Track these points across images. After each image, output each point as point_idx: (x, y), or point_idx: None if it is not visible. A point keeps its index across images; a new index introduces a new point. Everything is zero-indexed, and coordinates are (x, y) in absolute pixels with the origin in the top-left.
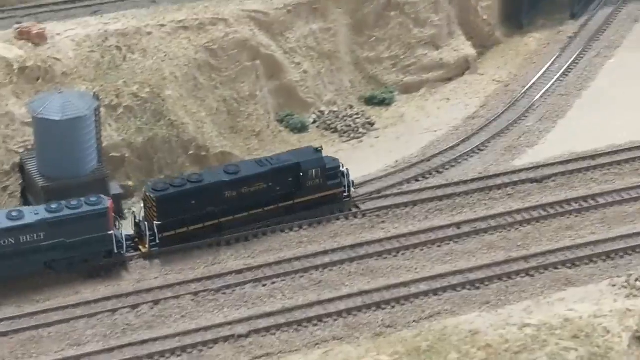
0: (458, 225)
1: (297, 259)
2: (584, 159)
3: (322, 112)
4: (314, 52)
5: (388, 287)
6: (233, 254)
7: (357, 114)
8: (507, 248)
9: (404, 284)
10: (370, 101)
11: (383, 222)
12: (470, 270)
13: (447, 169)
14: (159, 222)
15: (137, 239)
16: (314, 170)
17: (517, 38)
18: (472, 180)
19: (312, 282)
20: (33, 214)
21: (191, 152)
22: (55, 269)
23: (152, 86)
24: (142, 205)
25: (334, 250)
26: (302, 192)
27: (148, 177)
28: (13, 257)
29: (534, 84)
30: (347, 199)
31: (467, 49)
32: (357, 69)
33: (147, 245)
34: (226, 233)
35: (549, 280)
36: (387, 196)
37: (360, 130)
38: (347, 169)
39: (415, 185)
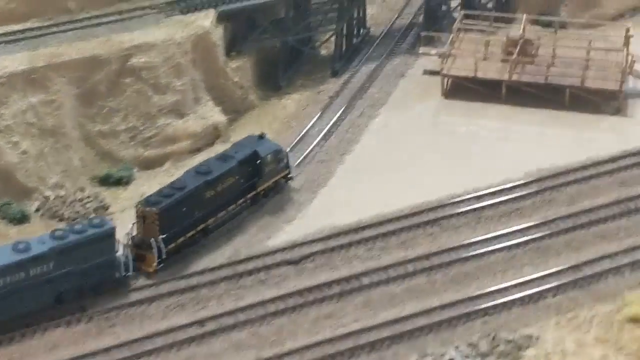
0: (202, 322)
1: None
2: (346, 233)
3: (47, 198)
4: (35, 129)
5: None
6: None
7: (88, 197)
8: (258, 346)
9: None
10: (106, 181)
11: (113, 325)
12: None
13: (190, 256)
14: (164, 236)
15: (136, 261)
16: (269, 156)
17: (275, 100)
18: (220, 267)
19: None
20: (40, 243)
21: None
22: (65, 302)
23: None
24: (137, 223)
25: None
26: (262, 179)
27: None
28: (24, 292)
29: (291, 150)
30: (291, 179)
31: (217, 116)
32: (88, 145)
33: (154, 264)
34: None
35: None
36: (117, 294)
37: (92, 216)
38: (288, 150)
39: (152, 278)
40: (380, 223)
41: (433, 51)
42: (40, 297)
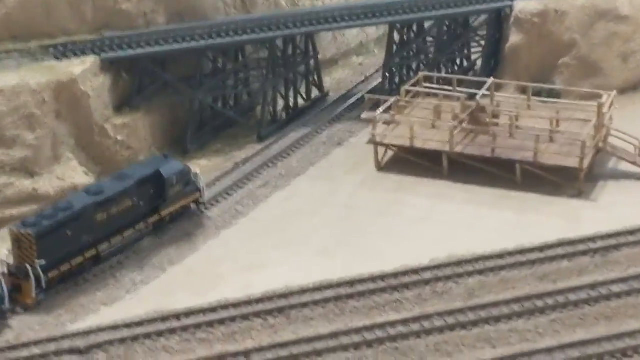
0: None
1: None
2: (166, 319)
3: None
4: None
5: None
6: None
7: None
8: None
9: None
10: None
11: None
12: None
13: None
14: (43, 262)
15: (12, 291)
16: (174, 177)
17: None
18: None
19: None
20: None
21: None
22: None
23: None
24: (12, 248)
25: None
26: (167, 202)
27: None
28: None
29: None
30: (203, 205)
31: (79, 177)
32: None
33: (32, 294)
34: None
35: None
36: None
37: None
38: (197, 171)
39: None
40: (214, 309)
41: (378, 117)
42: None
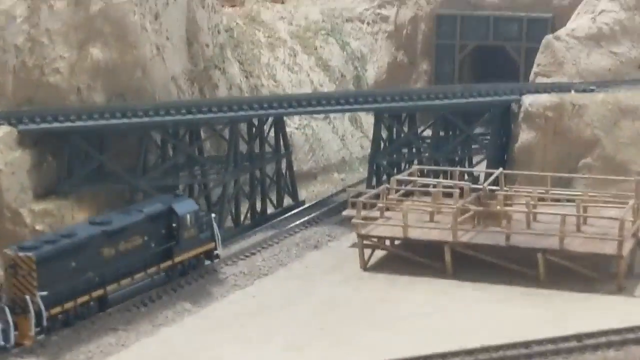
0: None
1: None
2: None
3: None
4: None
5: None
6: None
7: None
8: None
9: None
10: None
11: None
12: None
13: None
14: (44, 293)
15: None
16: (188, 216)
17: None
18: None
19: None
20: None
21: None
22: None
23: None
24: (5, 277)
25: None
26: (180, 246)
27: None
28: None
29: None
30: (218, 259)
31: None
32: None
33: (31, 332)
34: None
35: None
36: None
37: None
38: (214, 215)
39: None
40: None
41: (361, 213)
42: None
